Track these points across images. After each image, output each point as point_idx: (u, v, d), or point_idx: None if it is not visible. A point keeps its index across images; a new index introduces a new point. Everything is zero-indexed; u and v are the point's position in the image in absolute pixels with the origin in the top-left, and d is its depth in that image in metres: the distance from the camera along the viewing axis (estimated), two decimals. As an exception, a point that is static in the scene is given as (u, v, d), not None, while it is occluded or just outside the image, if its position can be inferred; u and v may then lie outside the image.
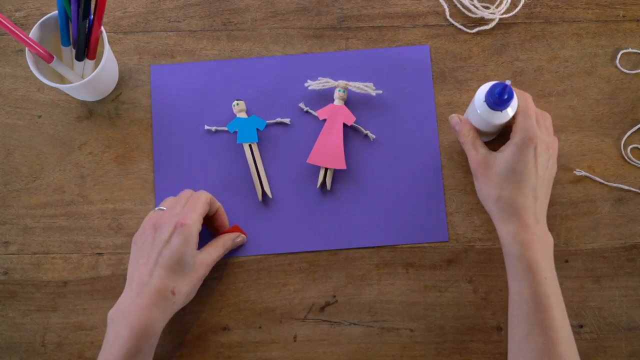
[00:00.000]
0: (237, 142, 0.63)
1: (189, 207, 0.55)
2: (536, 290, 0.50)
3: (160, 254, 0.52)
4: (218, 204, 0.59)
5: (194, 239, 0.53)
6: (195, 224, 0.53)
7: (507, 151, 0.54)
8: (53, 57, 0.58)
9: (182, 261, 0.52)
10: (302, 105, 0.64)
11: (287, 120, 0.64)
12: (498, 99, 0.53)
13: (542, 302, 0.49)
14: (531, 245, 0.51)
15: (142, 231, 0.54)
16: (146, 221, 0.55)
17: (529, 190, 0.53)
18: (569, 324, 0.51)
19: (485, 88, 0.56)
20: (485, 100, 0.55)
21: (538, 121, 0.55)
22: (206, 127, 0.63)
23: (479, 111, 0.56)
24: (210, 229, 0.61)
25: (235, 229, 0.60)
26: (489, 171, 0.55)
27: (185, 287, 0.53)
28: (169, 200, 0.57)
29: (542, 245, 0.51)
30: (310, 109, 0.64)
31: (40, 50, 0.57)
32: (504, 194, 0.53)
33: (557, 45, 0.66)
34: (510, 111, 0.55)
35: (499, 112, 0.55)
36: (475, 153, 0.57)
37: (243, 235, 0.61)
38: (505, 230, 0.53)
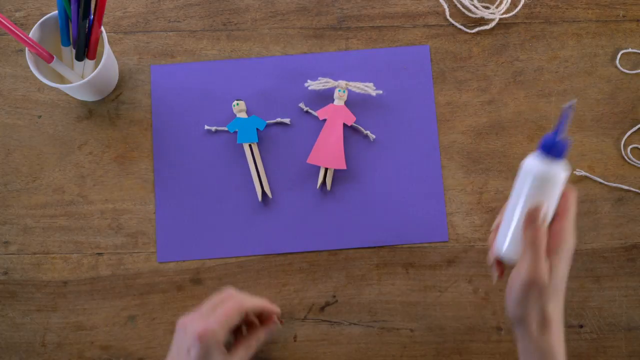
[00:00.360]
0: (237, 142, 0.63)
1: (216, 316, 0.51)
2: None
3: None
4: (261, 305, 0.55)
5: (215, 351, 0.50)
6: (215, 336, 0.49)
7: (563, 266, 0.46)
8: (53, 57, 0.58)
9: None
10: (302, 105, 0.64)
11: (287, 120, 0.64)
12: (554, 139, 0.44)
13: None
14: (553, 346, 0.47)
15: (178, 325, 0.52)
16: (186, 315, 0.53)
17: (562, 297, 0.48)
18: None
19: (530, 159, 0.46)
20: (541, 147, 0.45)
21: None
22: (206, 127, 0.63)
23: (534, 171, 0.45)
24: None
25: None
26: (542, 287, 0.45)
27: None
28: (212, 298, 0.54)
29: (561, 339, 0.48)
30: (310, 109, 0.64)
31: (40, 50, 0.57)
32: (547, 311, 0.46)
33: (557, 45, 0.66)
34: (563, 172, 0.45)
35: (558, 166, 0.44)
36: (541, 264, 0.45)
37: (279, 323, 0.57)
38: (531, 339, 0.47)
